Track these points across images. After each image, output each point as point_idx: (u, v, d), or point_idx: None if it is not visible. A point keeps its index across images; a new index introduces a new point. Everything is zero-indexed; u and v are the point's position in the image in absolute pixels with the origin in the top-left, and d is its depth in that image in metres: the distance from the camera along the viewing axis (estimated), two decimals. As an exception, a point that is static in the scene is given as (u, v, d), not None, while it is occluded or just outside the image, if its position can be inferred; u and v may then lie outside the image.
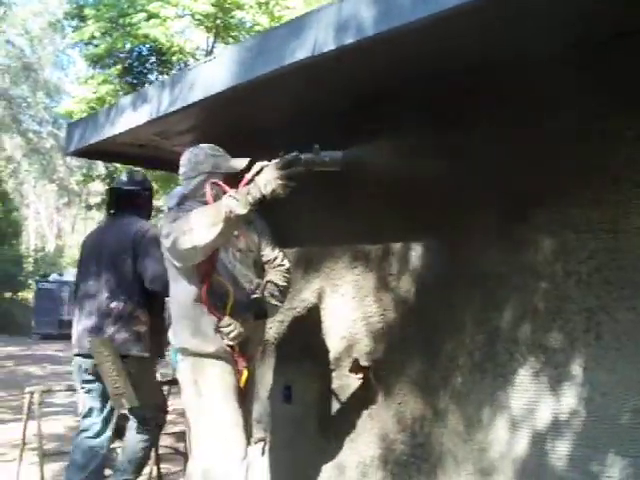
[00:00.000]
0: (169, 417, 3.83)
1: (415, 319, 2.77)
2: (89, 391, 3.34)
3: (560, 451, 2.26)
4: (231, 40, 11.30)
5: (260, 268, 2.83)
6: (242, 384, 2.61)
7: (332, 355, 3.10)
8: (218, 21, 11.11)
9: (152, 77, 12.19)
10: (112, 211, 3.65)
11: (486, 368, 2.49)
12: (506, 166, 2.47)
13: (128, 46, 11.55)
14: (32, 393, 3.81)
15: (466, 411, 2.54)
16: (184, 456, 3.87)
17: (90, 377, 3.30)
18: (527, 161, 2.41)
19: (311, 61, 2.39)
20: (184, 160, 2.77)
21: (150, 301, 3.33)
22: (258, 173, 2.34)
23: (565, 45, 2.22)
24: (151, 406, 3.36)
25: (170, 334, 2.72)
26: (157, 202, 10.40)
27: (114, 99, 9.78)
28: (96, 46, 11.61)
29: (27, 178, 28.05)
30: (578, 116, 2.28)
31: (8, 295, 22.89)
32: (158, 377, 3.81)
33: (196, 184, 2.70)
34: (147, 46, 11.72)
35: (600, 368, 2.19)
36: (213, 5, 10.64)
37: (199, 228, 2.36)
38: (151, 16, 10.52)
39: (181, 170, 2.77)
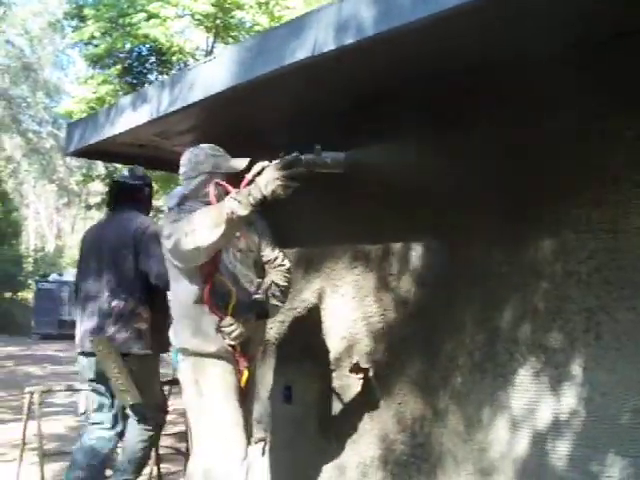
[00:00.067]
0: (169, 417, 3.83)
1: (415, 319, 2.78)
2: (96, 389, 3.37)
3: (560, 451, 2.26)
4: (231, 40, 11.29)
5: (260, 268, 2.83)
6: (243, 384, 2.61)
7: (332, 355, 3.10)
8: (218, 21, 11.10)
9: (152, 77, 12.18)
10: (112, 206, 3.64)
11: (486, 368, 2.49)
12: (506, 166, 2.47)
13: (128, 46, 11.54)
14: (32, 393, 3.82)
15: (466, 411, 2.54)
16: (185, 456, 3.88)
17: (95, 376, 3.33)
18: (527, 161, 2.41)
19: (311, 61, 2.39)
20: (184, 160, 2.76)
21: (152, 297, 3.32)
22: (259, 174, 2.33)
23: (565, 45, 2.21)
24: (151, 405, 3.37)
25: (171, 334, 2.72)
26: (157, 202, 10.40)
27: (114, 99, 9.76)
28: (96, 46, 11.60)
29: (27, 178, 28.05)
30: (578, 116, 2.28)
31: (8, 295, 22.91)
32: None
33: (196, 184, 2.70)
34: (147, 46, 11.71)
35: (600, 368, 2.19)
36: (213, 5, 10.63)
37: (201, 229, 2.36)
38: (151, 16, 10.52)
39: (181, 170, 2.76)
